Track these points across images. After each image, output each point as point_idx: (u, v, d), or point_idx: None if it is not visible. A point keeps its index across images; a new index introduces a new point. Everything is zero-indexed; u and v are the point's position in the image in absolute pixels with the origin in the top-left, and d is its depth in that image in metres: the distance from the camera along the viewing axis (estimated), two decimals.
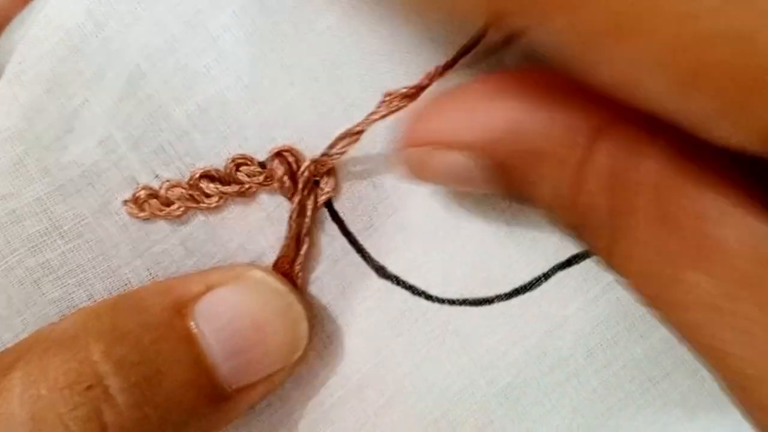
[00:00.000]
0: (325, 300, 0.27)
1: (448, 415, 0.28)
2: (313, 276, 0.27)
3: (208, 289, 0.24)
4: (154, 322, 0.23)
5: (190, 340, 0.23)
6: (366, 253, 0.27)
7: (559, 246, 0.27)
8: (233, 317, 0.24)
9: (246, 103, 0.25)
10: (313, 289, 0.27)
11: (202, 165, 0.26)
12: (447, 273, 0.27)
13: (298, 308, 0.25)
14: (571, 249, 0.27)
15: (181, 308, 0.24)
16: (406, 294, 0.27)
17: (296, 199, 0.26)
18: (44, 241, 0.26)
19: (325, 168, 0.26)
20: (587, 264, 0.27)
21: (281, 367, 0.25)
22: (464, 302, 0.27)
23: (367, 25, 0.25)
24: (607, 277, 0.27)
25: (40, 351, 0.23)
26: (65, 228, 0.26)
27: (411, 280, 0.27)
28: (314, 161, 0.25)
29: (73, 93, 0.25)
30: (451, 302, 0.27)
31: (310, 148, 0.26)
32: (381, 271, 0.27)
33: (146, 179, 0.26)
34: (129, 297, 0.25)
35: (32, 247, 0.26)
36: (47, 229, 0.26)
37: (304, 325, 0.25)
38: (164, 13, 0.25)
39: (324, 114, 0.26)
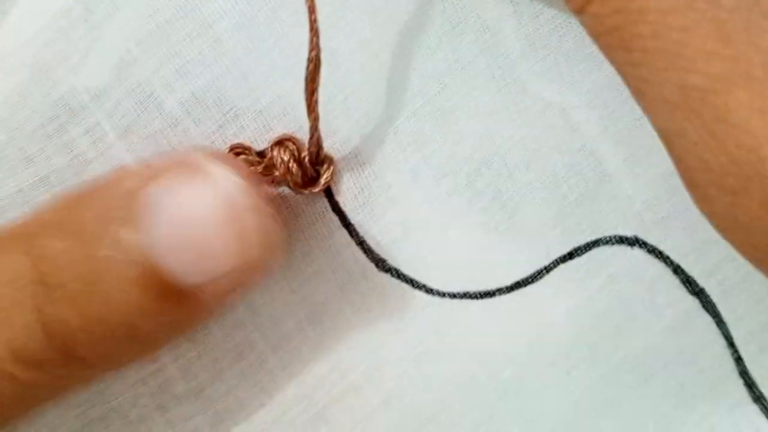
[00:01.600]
0: (324, 293, 0.26)
1: (447, 409, 0.27)
2: (312, 268, 0.26)
3: (159, 179, 0.21)
4: (99, 214, 0.21)
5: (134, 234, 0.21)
6: (366, 245, 0.26)
7: (561, 239, 0.27)
8: (183, 214, 0.21)
9: (242, 92, 0.25)
10: (312, 281, 0.26)
11: None
12: (448, 266, 0.27)
13: (258, 224, 0.22)
14: (572, 242, 0.27)
15: (129, 199, 0.21)
16: (406, 287, 0.27)
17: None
18: None
19: (323, 154, 0.25)
20: (589, 257, 0.27)
21: (244, 266, 0.22)
22: (465, 295, 0.27)
23: (366, 14, 0.25)
24: (609, 270, 0.27)
25: None
26: None
27: (411, 273, 0.27)
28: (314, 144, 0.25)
29: (59, 79, 0.24)
30: (452, 296, 0.27)
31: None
32: (381, 264, 0.26)
33: None
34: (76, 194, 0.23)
35: None
36: None
37: (264, 239, 0.22)
38: None
39: (323, 103, 0.25)
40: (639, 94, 0.21)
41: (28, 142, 0.24)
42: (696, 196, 0.21)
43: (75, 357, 0.21)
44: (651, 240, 0.27)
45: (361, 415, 0.27)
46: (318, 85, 0.23)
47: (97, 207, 0.22)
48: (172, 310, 0.22)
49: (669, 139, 0.21)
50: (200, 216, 0.21)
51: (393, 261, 0.26)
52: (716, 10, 0.19)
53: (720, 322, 0.28)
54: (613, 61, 0.21)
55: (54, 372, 0.21)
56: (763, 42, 0.19)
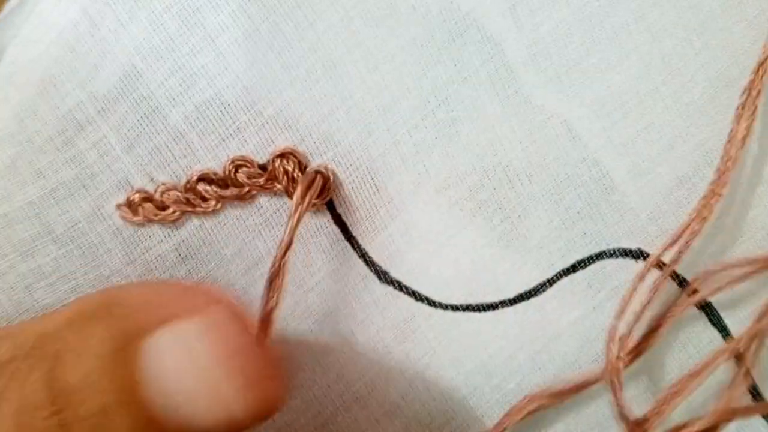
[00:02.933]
0: (327, 305, 0.26)
1: (452, 422, 0.27)
2: (315, 280, 0.26)
3: (162, 324, 0.22)
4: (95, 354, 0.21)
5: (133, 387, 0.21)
6: (368, 257, 0.26)
7: (564, 251, 0.27)
8: (180, 366, 0.22)
9: (245, 104, 0.25)
10: (315, 293, 0.26)
11: (199, 167, 0.25)
12: (450, 278, 0.27)
13: (249, 368, 0.22)
14: (576, 254, 0.27)
15: (127, 344, 0.22)
16: (409, 300, 0.27)
17: (300, 197, 0.25)
18: (36, 246, 0.25)
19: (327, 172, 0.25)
20: (592, 269, 0.27)
21: (226, 418, 0.22)
22: (468, 308, 0.27)
23: (368, 25, 0.25)
24: (613, 282, 0.27)
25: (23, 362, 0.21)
26: (58, 232, 0.25)
27: (414, 286, 0.27)
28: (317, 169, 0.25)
29: (67, 93, 0.24)
30: (455, 308, 0.27)
31: (311, 150, 0.25)
32: (384, 276, 0.26)
33: (141, 182, 0.25)
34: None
35: (24, 252, 0.25)
36: (39, 233, 0.25)
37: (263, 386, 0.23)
38: (161, 12, 0.24)
39: (325, 116, 0.25)
40: None
41: (37, 156, 0.25)
42: None
43: None
44: (656, 253, 0.27)
45: (365, 425, 0.27)
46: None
47: (108, 342, 0.22)
48: None
49: None
50: (206, 364, 0.22)
51: (395, 273, 0.26)
52: None
53: (727, 336, 0.27)
54: None
55: None
56: None
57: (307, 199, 0.24)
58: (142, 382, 0.21)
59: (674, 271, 0.27)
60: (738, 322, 0.27)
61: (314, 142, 0.25)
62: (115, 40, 0.24)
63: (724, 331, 0.27)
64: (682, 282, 0.27)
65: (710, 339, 0.28)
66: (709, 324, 0.28)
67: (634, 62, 0.26)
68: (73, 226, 0.25)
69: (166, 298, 0.24)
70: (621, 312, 0.26)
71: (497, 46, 0.25)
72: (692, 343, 0.28)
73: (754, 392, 0.27)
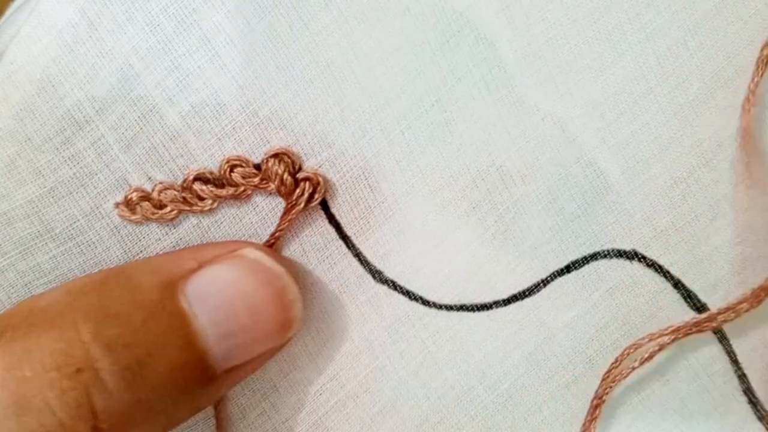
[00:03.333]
0: (322, 303, 0.27)
1: (445, 421, 0.27)
2: (310, 279, 0.26)
3: (200, 266, 0.23)
4: (144, 302, 0.22)
5: (182, 321, 0.22)
6: (363, 256, 0.26)
7: (558, 252, 0.27)
8: (226, 298, 0.23)
9: (240, 104, 0.25)
10: (310, 292, 0.27)
11: (195, 167, 0.25)
12: (444, 278, 0.27)
13: (294, 290, 0.24)
14: (570, 255, 0.27)
15: (172, 287, 0.22)
16: (403, 299, 0.27)
17: (294, 197, 0.25)
18: (36, 244, 0.25)
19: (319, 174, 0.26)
20: (586, 270, 0.27)
21: (272, 347, 0.24)
22: (462, 308, 0.27)
23: (362, 26, 0.25)
24: (607, 284, 0.27)
25: (24, 327, 0.21)
26: (57, 231, 0.25)
27: (408, 285, 0.27)
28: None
29: (65, 93, 0.25)
30: (449, 308, 0.27)
31: (306, 150, 0.25)
32: (378, 276, 0.26)
33: (139, 181, 0.25)
34: (118, 274, 0.24)
35: (24, 250, 0.25)
36: (39, 231, 0.25)
37: (299, 306, 0.24)
38: (158, 13, 0.25)
39: (319, 116, 0.25)
40: None
41: (36, 154, 0.25)
42: None
43: None
44: (650, 254, 0.27)
45: (359, 423, 0.27)
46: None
47: (143, 294, 0.22)
48: (209, 391, 0.23)
49: None
50: (246, 298, 0.23)
51: (389, 272, 0.27)
52: None
53: (722, 338, 0.27)
54: None
55: None
56: None
57: (294, 210, 0.25)
58: (191, 317, 0.22)
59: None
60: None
61: (309, 143, 0.25)
62: (113, 41, 0.25)
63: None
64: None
65: None
66: None
67: (629, 63, 0.26)
68: (72, 225, 0.25)
69: (195, 249, 0.25)
70: None
71: (491, 47, 0.25)
72: None
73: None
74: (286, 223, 0.25)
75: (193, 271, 0.23)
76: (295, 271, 0.25)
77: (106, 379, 0.21)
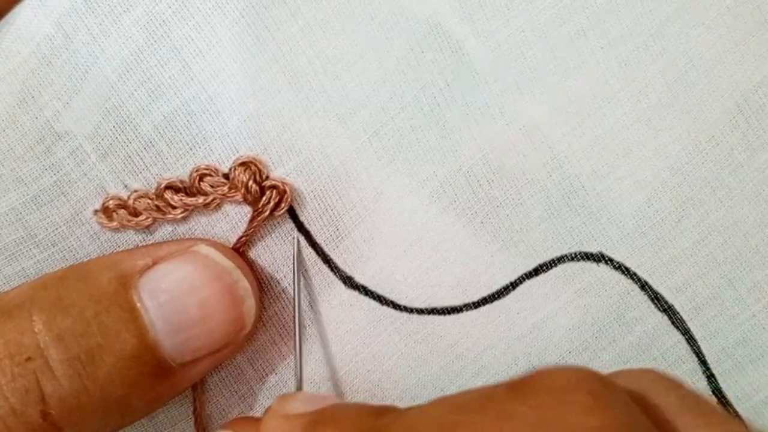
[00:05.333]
0: (294, 309, 0.27)
1: None
2: (281, 286, 0.27)
3: (155, 262, 0.24)
4: (98, 294, 0.23)
5: (133, 314, 0.23)
6: (333, 263, 0.27)
7: (526, 254, 0.27)
8: (177, 293, 0.23)
9: (210, 114, 0.25)
10: (282, 298, 0.27)
11: (168, 175, 0.26)
12: (414, 282, 0.27)
13: (245, 285, 0.25)
14: (537, 258, 0.27)
15: (126, 281, 0.23)
16: (374, 303, 0.27)
17: (260, 204, 0.26)
18: (20, 249, 0.26)
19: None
20: (555, 272, 0.27)
21: (226, 343, 0.25)
22: (432, 311, 0.27)
23: (328, 36, 0.25)
24: (576, 285, 0.27)
25: None
26: (40, 237, 0.26)
27: (379, 290, 0.27)
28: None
29: (44, 104, 0.25)
30: (420, 311, 0.27)
31: (274, 159, 0.26)
32: (349, 281, 0.27)
33: (115, 189, 0.26)
34: (77, 269, 0.25)
35: (9, 255, 0.26)
36: (23, 238, 0.26)
37: (250, 303, 0.25)
38: (130, 25, 0.25)
39: (287, 125, 0.26)
40: None
41: (18, 164, 0.26)
42: None
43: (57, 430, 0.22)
44: (617, 256, 0.27)
45: None
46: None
47: (98, 287, 0.23)
48: (164, 384, 0.24)
49: None
50: (196, 293, 0.24)
51: (360, 278, 0.27)
52: None
53: (690, 339, 0.27)
54: None
55: None
56: None
57: (260, 217, 0.25)
58: (141, 310, 0.23)
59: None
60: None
61: (277, 152, 0.26)
62: (88, 53, 0.25)
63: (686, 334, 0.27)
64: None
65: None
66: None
67: (592, 68, 0.26)
68: (54, 231, 0.26)
69: (152, 246, 0.26)
70: None
71: (455, 54, 0.25)
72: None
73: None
74: (252, 230, 0.26)
75: (148, 267, 0.24)
76: (248, 269, 0.26)
77: (55, 366, 0.22)
